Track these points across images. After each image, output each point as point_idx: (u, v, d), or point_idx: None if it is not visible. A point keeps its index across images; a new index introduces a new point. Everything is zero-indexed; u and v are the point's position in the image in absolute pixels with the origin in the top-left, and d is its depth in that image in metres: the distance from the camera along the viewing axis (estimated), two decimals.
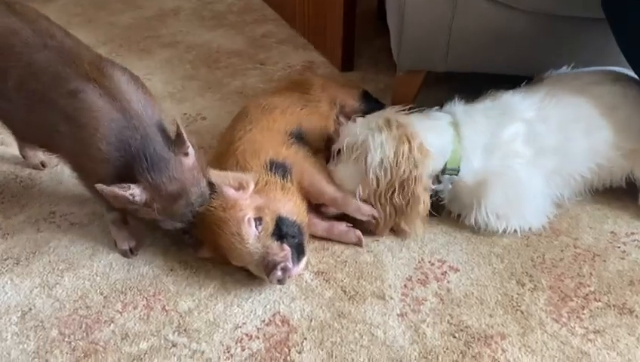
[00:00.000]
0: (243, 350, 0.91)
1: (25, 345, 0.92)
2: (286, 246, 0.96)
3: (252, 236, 0.96)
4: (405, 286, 1.02)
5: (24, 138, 1.21)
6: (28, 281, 1.04)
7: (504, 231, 1.11)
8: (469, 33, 1.26)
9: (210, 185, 1.00)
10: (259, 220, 0.98)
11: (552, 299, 0.99)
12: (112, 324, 0.96)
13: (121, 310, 0.98)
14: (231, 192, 1.00)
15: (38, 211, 1.21)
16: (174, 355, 0.91)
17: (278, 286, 1.01)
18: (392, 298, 1.00)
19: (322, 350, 0.91)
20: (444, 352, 0.90)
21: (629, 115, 1.12)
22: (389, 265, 1.07)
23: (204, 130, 1.48)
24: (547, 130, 1.10)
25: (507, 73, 1.30)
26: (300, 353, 0.91)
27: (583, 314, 0.96)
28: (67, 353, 0.91)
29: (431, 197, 1.12)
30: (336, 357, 0.90)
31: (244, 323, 0.96)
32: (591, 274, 1.04)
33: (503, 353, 0.90)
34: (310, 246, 1.08)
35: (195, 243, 1.04)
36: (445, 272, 1.05)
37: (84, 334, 0.94)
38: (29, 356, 0.91)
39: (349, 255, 1.09)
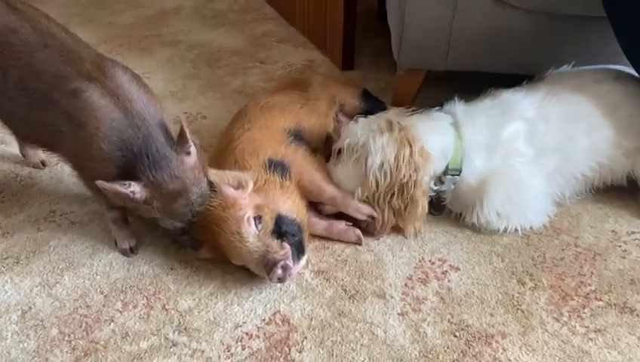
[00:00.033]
0: (243, 349, 0.91)
1: (25, 344, 0.92)
2: (286, 245, 0.96)
3: (252, 235, 0.96)
4: (406, 285, 1.02)
5: (25, 137, 1.21)
6: (28, 280, 1.04)
7: (505, 230, 1.11)
8: (470, 32, 1.26)
9: (210, 184, 1.00)
10: (258, 219, 0.98)
11: (552, 298, 0.99)
12: (112, 323, 0.96)
13: (121, 309, 0.98)
14: (230, 191, 1.00)
15: (38, 210, 1.21)
16: (174, 354, 0.91)
17: (279, 285, 1.01)
18: (392, 297, 1.00)
19: (323, 349, 0.91)
20: (445, 351, 0.90)
21: (630, 114, 1.12)
22: (390, 264, 1.07)
23: (204, 128, 1.48)
24: (548, 129, 1.10)
25: (508, 72, 1.30)
26: (300, 352, 0.91)
27: (584, 313, 0.96)
28: (67, 352, 0.91)
29: (432, 197, 1.12)
30: (336, 356, 0.90)
31: (244, 322, 0.96)
32: (592, 273, 1.04)
33: (504, 352, 0.90)
34: (310, 246, 1.08)
35: (194, 243, 1.04)
36: (446, 271, 1.05)
37: (85, 333, 0.94)
38: (29, 355, 0.91)
39: (350, 254, 1.09)
